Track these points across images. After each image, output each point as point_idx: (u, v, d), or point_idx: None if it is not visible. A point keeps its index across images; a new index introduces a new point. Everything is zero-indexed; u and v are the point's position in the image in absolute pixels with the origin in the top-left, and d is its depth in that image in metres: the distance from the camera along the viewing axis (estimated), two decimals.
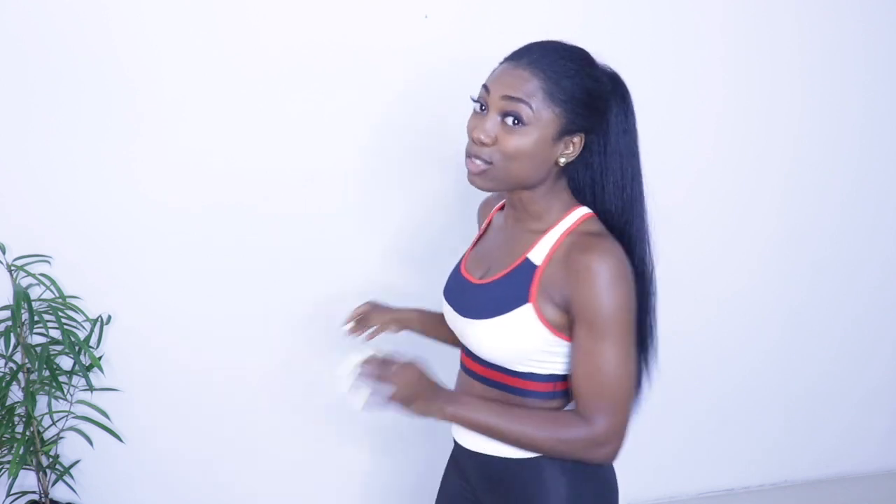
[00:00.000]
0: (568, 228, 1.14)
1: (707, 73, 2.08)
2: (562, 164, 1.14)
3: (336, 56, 1.80)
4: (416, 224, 1.89)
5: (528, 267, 1.13)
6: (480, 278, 1.21)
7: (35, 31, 1.65)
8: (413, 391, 1.09)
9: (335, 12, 1.79)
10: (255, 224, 1.82)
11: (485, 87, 1.12)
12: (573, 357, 1.11)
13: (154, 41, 1.71)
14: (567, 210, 1.17)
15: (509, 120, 1.08)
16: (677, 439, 2.26)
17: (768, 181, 2.20)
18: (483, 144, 1.09)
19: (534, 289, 1.11)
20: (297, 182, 1.82)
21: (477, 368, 1.20)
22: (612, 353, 1.08)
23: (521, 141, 1.08)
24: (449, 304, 1.25)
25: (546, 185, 1.16)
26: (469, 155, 1.12)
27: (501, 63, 1.15)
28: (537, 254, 1.14)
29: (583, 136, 1.13)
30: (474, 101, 1.14)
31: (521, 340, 1.12)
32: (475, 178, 1.13)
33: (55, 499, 1.76)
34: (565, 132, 1.11)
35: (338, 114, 1.82)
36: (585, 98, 1.11)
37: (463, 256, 1.30)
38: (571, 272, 1.08)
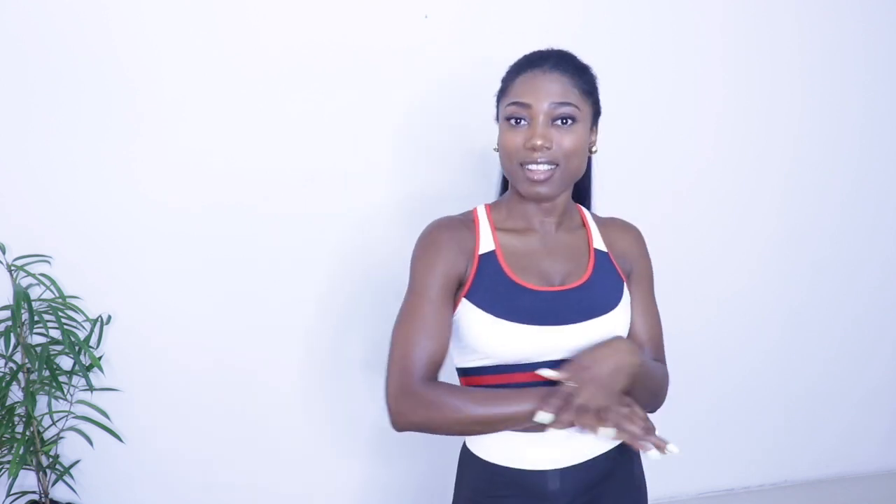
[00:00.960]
0: (593, 218, 1.31)
1: (707, 73, 2.09)
2: (593, 152, 1.25)
3: (336, 56, 1.80)
4: (416, 224, 1.89)
5: (603, 255, 1.26)
6: (562, 284, 1.20)
7: (35, 31, 1.65)
8: (603, 381, 1.08)
9: (335, 12, 1.79)
10: (255, 224, 1.82)
11: (519, 103, 1.17)
12: (637, 314, 1.27)
13: (154, 41, 1.71)
14: (575, 205, 1.31)
15: (559, 122, 1.16)
16: (677, 439, 2.26)
17: (768, 181, 2.20)
18: (546, 149, 1.15)
19: (619, 270, 1.26)
20: (296, 182, 1.82)
21: None
22: (655, 301, 1.31)
23: (575, 137, 1.17)
24: (529, 323, 1.15)
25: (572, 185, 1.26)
26: (527, 164, 1.17)
27: (521, 73, 1.19)
28: (598, 243, 1.27)
29: (597, 123, 1.25)
30: (506, 118, 1.19)
31: (629, 318, 1.24)
32: (541, 185, 1.17)
33: (55, 499, 1.76)
34: (594, 121, 1.23)
35: (338, 114, 1.82)
36: (596, 83, 1.23)
37: (497, 279, 1.19)
38: (629, 244, 1.29)
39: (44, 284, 1.68)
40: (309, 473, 1.97)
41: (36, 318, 1.62)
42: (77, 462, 1.80)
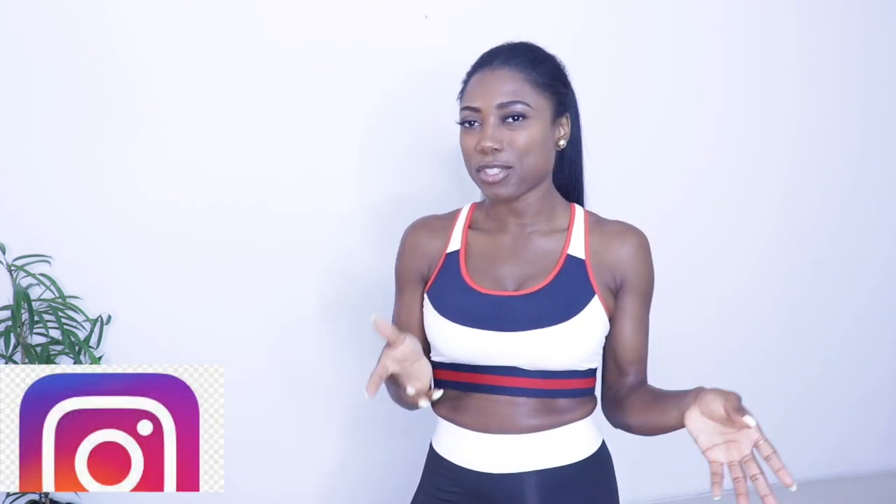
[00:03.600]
0: (585, 221, 1.21)
1: (707, 73, 2.09)
2: (561, 146, 1.19)
3: (336, 56, 1.80)
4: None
5: (576, 262, 1.17)
6: (518, 289, 1.16)
7: (35, 31, 1.65)
8: None
9: (335, 12, 1.79)
10: (255, 224, 1.82)
11: (469, 108, 1.15)
12: (624, 330, 1.18)
13: (154, 41, 1.71)
14: (568, 206, 1.24)
15: (510, 120, 1.12)
16: (677, 439, 2.25)
17: (768, 181, 2.20)
18: (496, 151, 1.11)
19: (593, 280, 1.16)
20: (296, 181, 1.82)
21: (526, 383, 1.14)
22: (649, 317, 1.21)
23: (528, 133, 1.12)
24: (471, 326, 1.15)
25: (547, 181, 1.21)
26: (481, 169, 1.14)
27: (472, 75, 1.19)
28: (576, 248, 1.18)
29: (567, 115, 1.20)
30: (460, 123, 1.17)
31: (594, 334, 1.15)
32: (498, 187, 1.14)
33: (55, 499, 1.76)
34: (557, 114, 1.17)
35: (338, 113, 1.82)
36: (559, 76, 1.18)
37: (453, 279, 1.20)
38: (622, 254, 1.17)
39: (44, 284, 1.68)
40: (309, 473, 1.97)
41: (36, 318, 1.62)
42: None
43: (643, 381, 1.21)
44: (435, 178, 1.89)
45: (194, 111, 1.75)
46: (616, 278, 1.18)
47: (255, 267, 1.84)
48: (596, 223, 1.22)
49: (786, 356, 2.32)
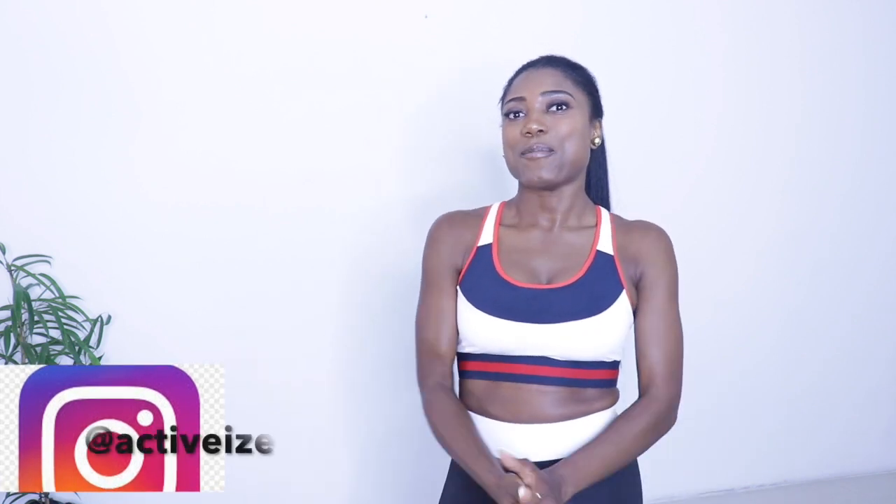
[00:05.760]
0: (611, 220, 1.28)
1: (707, 73, 2.09)
2: (596, 146, 1.27)
3: (335, 55, 1.81)
4: (416, 222, 1.90)
5: (605, 258, 1.23)
6: (550, 282, 1.21)
7: (35, 31, 1.65)
8: None
9: (334, 12, 1.80)
10: (255, 224, 1.82)
11: (515, 99, 1.22)
12: (648, 324, 1.23)
13: (154, 41, 1.71)
14: (594, 207, 1.30)
15: (554, 108, 1.20)
16: (677, 439, 2.25)
17: (768, 181, 2.20)
18: (541, 133, 1.18)
19: (621, 275, 1.22)
20: (297, 181, 1.82)
21: (556, 373, 1.18)
22: (678, 313, 1.26)
23: (571, 121, 1.20)
24: (506, 318, 1.19)
25: (581, 179, 1.27)
26: (525, 152, 1.20)
27: (518, 75, 1.27)
28: (605, 245, 1.24)
29: (600, 120, 1.28)
30: (505, 114, 1.24)
31: (622, 326, 1.21)
32: (542, 169, 1.20)
33: (55, 499, 1.76)
34: (593, 115, 1.25)
35: (337, 113, 1.82)
36: (594, 81, 1.27)
37: (487, 273, 1.23)
38: (643, 247, 1.23)
39: (44, 284, 1.67)
40: (315, 473, 1.97)
41: (36, 318, 1.62)
42: None
43: (655, 379, 1.23)
44: (437, 176, 1.89)
45: (194, 111, 1.75)
46: (637, 269, 1.23)
47: (256, 266, 1.83)
48: (622, 222, 1.29)
49: (786, 356, 2.32)
